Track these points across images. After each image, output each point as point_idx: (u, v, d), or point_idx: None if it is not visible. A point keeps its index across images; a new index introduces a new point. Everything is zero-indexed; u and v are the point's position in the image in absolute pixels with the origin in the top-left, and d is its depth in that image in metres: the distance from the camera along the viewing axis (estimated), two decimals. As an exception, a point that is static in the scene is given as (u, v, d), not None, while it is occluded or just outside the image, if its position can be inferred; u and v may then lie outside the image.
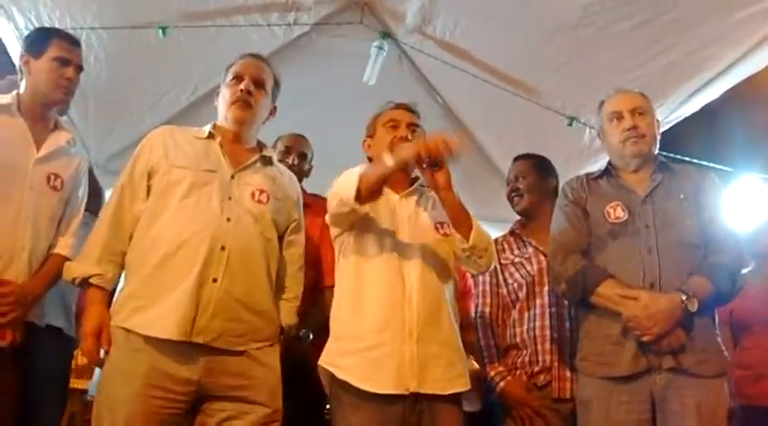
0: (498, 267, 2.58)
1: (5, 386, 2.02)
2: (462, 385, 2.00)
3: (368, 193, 1.91)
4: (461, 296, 2.73)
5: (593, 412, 2.08)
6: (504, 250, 2.63)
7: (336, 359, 1.98)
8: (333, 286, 2.14)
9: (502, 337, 2.54)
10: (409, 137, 2.11)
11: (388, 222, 2.07)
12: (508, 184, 2.76)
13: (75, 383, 2.59)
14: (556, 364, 2.36)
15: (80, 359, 2.73)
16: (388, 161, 1.88)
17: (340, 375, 1.94)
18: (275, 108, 2.23)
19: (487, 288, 2.61)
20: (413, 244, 2.05)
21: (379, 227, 2.05)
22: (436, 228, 2.11)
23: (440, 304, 2.03)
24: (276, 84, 2.20)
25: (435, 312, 2.00)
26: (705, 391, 1.98)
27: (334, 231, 2.13)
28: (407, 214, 2.11)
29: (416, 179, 2.21)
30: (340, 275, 2.11)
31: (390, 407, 1.89)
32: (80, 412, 2.63)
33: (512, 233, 2.69)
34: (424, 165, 1.96)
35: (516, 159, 2.80)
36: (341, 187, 1.97)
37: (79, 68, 2.26)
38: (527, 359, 2.42)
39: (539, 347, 2.40)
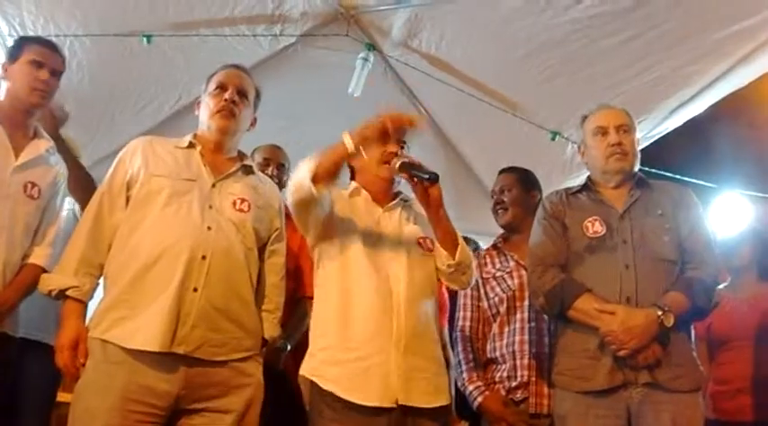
0: (480, 281, 2.57)
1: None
2: (444, 399, 1.99)
3: (324, 174, 1.86)
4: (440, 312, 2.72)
5: (570, 426, 2.08)
6: (485, 263, 2.63)
7: (321, 369, 1.94)
8: (312, 296, 2.11)
9: (482, 351, 2.54)
10: (399, 152, 2.08)
11: (372, 235, 2.05)
12: (493, 197, 2.76)
13: (62, 396, 2.55)
14: (534, 379, 2.36)
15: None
16: (348, 142, 1.81)
17: (325, 385, 1.90)
18: (256, 119, 2.22)
19: (468, 301, 2.61)
20: (397, 257, 2.03)
21: (363, 239, 2.03)
22: (419, 244, 2.09)
23: (426, 317, 2.02)
24: (257, 95, 2.20)
25: (422, 324, 1.99)
26: (681, 406, 1.99)
27: (310, 240, 2.09)
28: (391, 227, 2.09)
29: (399, 193, 2.19)
30: (321, 286, 2.07)
31: (373, 422, 1.86)
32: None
33: (494, 246, 2.70)
34: (416, 180, 1.95)
35: (501, 172, 2.80)
36: (298, 173, 1.92)
37: (56, 72, 2.23)
38: (505, 373, 2.42)
39: (517, 362, 2.40)
